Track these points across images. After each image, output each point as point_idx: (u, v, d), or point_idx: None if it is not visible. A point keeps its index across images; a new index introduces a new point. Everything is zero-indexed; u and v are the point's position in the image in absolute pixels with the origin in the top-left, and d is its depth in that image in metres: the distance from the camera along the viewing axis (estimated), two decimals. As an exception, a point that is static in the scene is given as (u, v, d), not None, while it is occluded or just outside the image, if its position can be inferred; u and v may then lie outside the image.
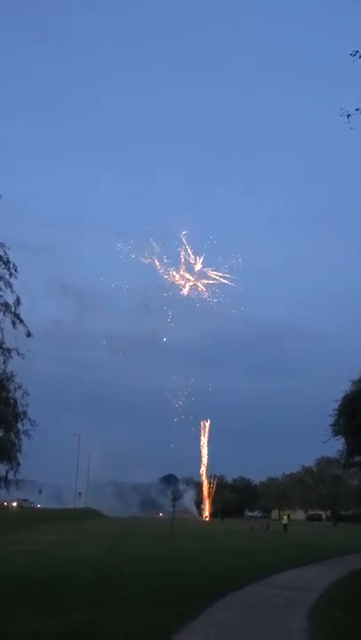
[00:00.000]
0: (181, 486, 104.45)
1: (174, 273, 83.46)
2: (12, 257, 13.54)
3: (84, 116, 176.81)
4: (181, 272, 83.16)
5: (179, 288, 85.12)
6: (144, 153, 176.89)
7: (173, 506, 42.73)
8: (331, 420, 23.24)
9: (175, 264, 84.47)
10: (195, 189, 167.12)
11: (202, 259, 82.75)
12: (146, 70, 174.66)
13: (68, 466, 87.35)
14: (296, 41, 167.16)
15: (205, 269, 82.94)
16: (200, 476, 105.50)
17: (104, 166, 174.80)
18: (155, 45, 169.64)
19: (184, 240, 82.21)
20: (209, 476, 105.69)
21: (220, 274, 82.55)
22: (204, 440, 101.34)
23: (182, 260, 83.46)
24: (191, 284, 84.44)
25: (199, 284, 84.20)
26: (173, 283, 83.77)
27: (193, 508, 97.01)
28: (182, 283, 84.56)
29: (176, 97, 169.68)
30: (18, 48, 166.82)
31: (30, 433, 14.38)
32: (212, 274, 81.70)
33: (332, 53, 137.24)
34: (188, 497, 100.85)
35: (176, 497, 54.42)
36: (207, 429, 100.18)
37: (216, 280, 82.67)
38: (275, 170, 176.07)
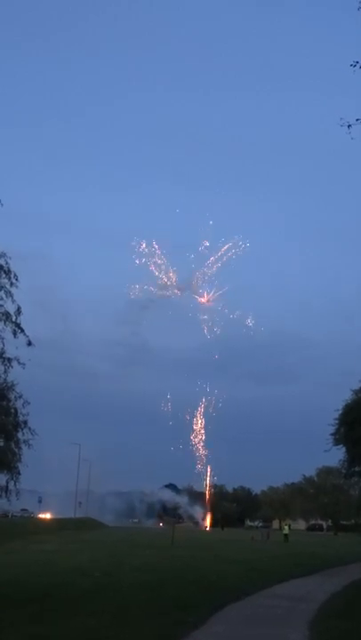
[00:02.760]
0: (181, 496, 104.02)
1: (171, 275, 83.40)
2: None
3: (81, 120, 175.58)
4: (174, 280, 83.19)
5: (174, 293, 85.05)
6: (137, 159, 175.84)
7: (173, 516, 42.44)
8: (332, 430, 23.21)
9: (172, 267, 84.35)
10: (189, 194, 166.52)
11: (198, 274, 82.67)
12: (142, 73, 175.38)
13: (67, 475, 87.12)
14: (297, 47, 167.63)
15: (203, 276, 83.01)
16: (201, 484, 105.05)
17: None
18: (152, 50, 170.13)
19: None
20: (210, 485, 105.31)
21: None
22: (204, 449, 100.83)
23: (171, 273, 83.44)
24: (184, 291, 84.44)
25: (196, 296, 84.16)
26: (168, 286, 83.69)
27: (193, 518, 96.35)
28: (177, 291, 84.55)
29: (171, 101, 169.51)
30: (9, 50, 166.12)
31: (30, 442, 14.39)
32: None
33: (334, 60, 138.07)
34: (189, 506, 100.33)
35: (176, 507, 54.20)
36: (201, 434, 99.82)
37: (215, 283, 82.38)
38: (272, 176, 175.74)
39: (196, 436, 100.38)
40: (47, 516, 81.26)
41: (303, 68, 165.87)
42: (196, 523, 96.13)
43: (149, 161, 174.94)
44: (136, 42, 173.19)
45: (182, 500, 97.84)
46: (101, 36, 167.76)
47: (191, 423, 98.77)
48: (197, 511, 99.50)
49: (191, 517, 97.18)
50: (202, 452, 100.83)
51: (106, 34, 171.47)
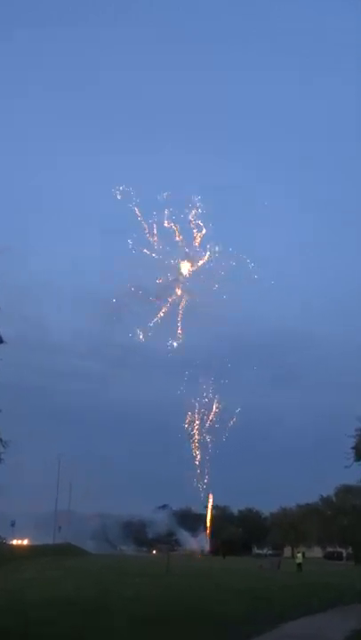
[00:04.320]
0: (176, 519, 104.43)
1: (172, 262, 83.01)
2: None
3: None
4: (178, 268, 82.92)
5: (175, 286, 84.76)
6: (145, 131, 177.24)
7: (167, 542, 42.75)
8: (352, 442, 23.35)
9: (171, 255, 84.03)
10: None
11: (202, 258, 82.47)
12: (147, 54, 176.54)
13: (45, 495, 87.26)
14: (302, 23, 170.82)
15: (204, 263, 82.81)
16: (201, 506, 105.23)
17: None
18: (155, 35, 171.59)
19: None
20: (211, 507, 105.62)
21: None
22: (205, 465, 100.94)
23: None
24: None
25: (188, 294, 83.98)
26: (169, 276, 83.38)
27: (191, 544, 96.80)
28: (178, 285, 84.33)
29: (176, 81, 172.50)
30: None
31: (1, 456, 14.39)
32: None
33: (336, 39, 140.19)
34: (186, 532, 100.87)
35: (170, 532, 54.56)
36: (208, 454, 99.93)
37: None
38: (278, 166, 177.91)
39: (194, 449, 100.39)
40: (22, 542, 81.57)
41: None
42: (200, 550, 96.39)
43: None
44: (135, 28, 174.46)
45: (174, 524, 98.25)
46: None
47: (189, 434, 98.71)
48: (196, 536, 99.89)
49: (188, 544, 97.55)
50: (201, 467, 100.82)
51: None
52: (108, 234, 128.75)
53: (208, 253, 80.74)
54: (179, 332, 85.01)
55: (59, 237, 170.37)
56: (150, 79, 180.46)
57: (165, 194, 79.12)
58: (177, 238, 79.98)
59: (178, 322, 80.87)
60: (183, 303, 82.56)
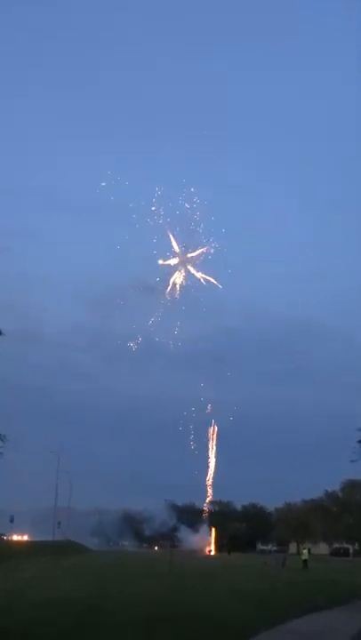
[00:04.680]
0: (178, 515, 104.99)
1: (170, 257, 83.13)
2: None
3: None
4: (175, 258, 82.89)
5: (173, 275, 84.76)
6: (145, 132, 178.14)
7: (170, 538, 43.03)
8: (359, 436, 23.51)
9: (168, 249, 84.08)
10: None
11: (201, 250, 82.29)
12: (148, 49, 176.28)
13: (44, 491, 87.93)
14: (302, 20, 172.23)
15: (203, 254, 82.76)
16: (204, 501, 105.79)
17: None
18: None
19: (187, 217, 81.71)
20: (215, 502, 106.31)
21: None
22: (210, 459, 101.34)
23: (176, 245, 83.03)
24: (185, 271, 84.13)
25: (198, 275, 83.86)
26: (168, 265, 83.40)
27: (194, 541, 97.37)
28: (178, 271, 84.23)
29: (178, 77, 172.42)
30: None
31: (0, 451, 14.58)
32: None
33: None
34: (189, 528, 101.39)
35: (174, 527, 54.90)
36: (214, 447, 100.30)
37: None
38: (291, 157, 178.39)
39: (199, 445, 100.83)
40: (21, 538, 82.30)
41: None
42: (206, 546, 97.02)
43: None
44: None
45: (176, 520, 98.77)
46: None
47: (192, 429, 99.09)
48: (199, 533, 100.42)
49: (191, 540, 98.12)
50: (204, 462, 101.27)
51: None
52: (108, 229, 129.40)
53: (206, 248, 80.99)
54: (177, 325, 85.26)
55: (58, 233, 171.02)
56: (150, 79, 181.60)
57: (159, 189, 79.40)
58: (172, 237, 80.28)
59: (179, 315, 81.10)
60: (179, 293, 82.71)
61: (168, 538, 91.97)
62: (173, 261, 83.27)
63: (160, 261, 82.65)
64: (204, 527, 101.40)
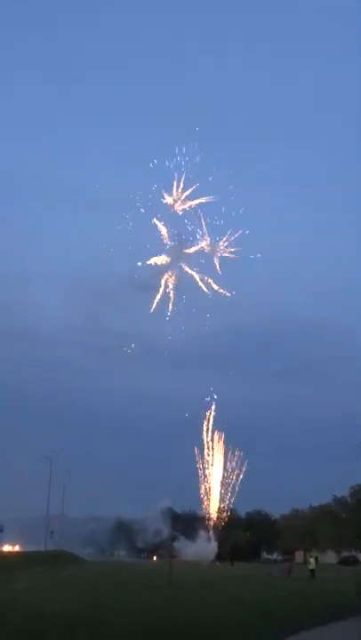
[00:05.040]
0: (177, 523, 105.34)
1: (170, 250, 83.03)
2: None
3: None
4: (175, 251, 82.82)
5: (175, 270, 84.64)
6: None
7: (169, 547, 43.40)
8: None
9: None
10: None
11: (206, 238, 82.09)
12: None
13: (36, 497, 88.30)
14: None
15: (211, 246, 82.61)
16: (205, 509, 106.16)
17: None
18: None
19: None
20: (218, 509, 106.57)
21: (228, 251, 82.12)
22: (212, 463, 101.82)
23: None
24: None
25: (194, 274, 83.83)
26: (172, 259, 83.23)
27: (195, 550, 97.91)
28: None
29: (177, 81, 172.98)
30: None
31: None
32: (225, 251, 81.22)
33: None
34: (189, 537, 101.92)
35: (173, 536, 55.25)
36: (221, 447, 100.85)
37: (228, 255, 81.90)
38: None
39: (198, 447, 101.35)
40: (12, 548, 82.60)
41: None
42: (210, 556, 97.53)
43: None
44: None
45: (175, 529, 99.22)
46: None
47: (192, 431, 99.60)
48: (200, 542, 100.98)
49: (192, 549, 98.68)
50: (205, 467, 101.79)
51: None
52: (103, 223, 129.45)
53: (205, 243, 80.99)
54: (177, 324, 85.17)
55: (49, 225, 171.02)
56: (150, 79, 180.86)
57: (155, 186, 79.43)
58: (163, 233, 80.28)
59: (174, 310, 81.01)
60: (173, 287, 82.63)
61: (167, 547, 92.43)
62: (164, 259, 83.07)
63: (152, 261, 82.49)
64: (205, 536, 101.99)
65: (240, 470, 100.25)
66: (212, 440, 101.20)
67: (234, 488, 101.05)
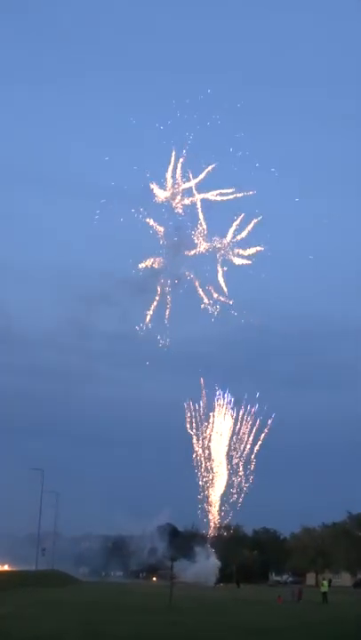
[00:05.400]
0: (186, 542, 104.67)
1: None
2: None
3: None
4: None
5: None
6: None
7: (172, 567, 42.94)
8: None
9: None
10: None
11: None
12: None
13: (26, 512, 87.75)
14: None
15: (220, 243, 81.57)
16: (209, 526, 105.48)
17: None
18: None
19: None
20: (221, 527, 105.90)
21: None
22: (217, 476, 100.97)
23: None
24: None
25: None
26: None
27: (197, 571, 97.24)
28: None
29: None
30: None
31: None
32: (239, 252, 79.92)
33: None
34: (191, 556, 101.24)
35: (173, 556, 54.76)
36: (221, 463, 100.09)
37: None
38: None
39: (200, 460, 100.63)
40: (1, 567, 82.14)
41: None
42: (205, 578, 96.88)
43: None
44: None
45: (175, 547, 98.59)
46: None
47: (194, 442, 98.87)
48: (203, 562, 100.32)
49: (196, 570, 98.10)
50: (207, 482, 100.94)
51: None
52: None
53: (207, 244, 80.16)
54: (175, 324, 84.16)
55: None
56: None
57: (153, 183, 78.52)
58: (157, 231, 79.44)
59: (168, 311, 79.79)
60: (170, 289, 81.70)
61: (166, 567, 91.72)
62: (159, 261, 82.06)
63: (143, 264, 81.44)
64: (209, 555, 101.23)
65: (246, 483, 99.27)
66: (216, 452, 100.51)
67: (237, 500, 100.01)
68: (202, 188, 77.91)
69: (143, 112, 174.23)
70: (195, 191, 76.83)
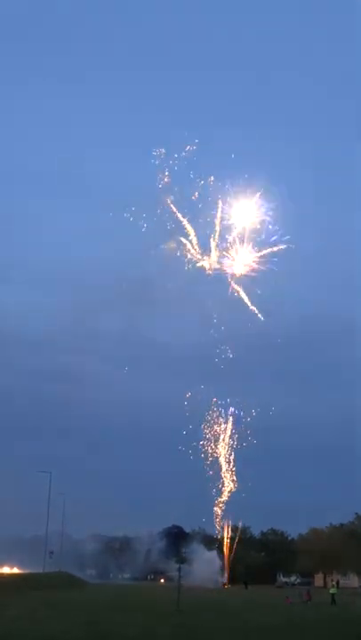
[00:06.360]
0: (193, 543, 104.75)
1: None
2: None
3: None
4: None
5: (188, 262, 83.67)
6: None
7: (179, 569, 42.92)
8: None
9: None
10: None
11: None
12: None
13: (34, 514, 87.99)
14: None
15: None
16: (216, 527, 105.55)
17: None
18: None
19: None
20: (230, 528, 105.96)
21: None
22: (224, 478, 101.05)
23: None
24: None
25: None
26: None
27: (204, 572, 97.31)
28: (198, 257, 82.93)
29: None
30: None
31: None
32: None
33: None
34: (202, 557, 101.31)
35: (183, 558, 54.82)
36: (228, 464, 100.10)
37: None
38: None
39: (209, 462, 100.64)
40: (11, 569, 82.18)
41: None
42: (212, 580, 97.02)
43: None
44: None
45: (191, 550, 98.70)
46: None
47: (202, 444, 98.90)
48: (210, 563, 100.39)
49: (203, 571, 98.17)
50: (215, 483, 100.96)
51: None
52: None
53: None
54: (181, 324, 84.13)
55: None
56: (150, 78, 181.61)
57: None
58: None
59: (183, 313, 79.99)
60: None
61: (174, 569, 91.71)
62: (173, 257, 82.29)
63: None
64: (216, 557, 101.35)
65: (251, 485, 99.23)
66: (223, 453, 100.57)
67: (244, 502, 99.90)
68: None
69: (143, 112, 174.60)
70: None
